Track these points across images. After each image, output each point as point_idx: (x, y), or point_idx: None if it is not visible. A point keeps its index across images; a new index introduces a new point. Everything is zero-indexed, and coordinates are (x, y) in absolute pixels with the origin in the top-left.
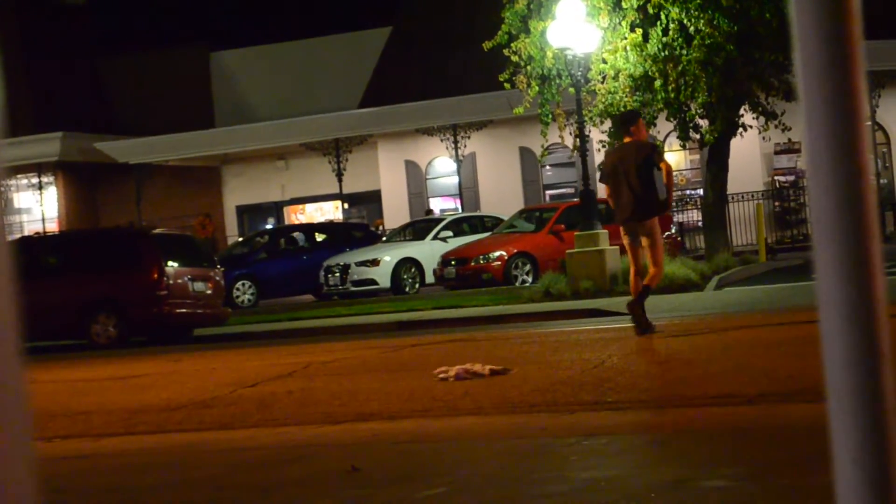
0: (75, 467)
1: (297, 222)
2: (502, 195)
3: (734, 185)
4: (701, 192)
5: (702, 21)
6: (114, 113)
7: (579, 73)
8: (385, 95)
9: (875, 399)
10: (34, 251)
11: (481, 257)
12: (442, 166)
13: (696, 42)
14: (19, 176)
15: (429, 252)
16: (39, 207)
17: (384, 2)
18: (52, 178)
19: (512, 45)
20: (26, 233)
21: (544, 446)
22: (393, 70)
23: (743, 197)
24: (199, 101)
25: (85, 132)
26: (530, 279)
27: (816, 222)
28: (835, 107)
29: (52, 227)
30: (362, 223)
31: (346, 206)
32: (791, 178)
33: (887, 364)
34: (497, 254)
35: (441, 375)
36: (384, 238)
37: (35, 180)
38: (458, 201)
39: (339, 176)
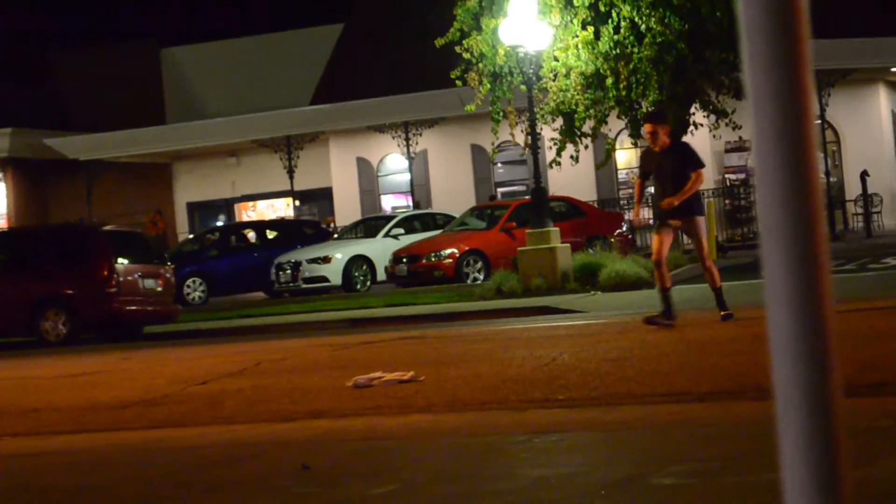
0: (24, 465)
1: (248, 219)
2: (454, 192)
3: None
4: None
5: (653, 19)
6: (64, 108)
7: (531, 71)
8: (337, 92)
9: (821, 395)
10: None
11: (433, 255)
12: (394, 163)
13: (647, 40)
14: None
15: (380, 249)
16: None
17: None
18: (0, 175)
19: (464, 42)
20: None
21: (495, 444)
22: (345, 67)
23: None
24: (150, 97)
25: (34, 128)
26: (482, 277)
27: (764, 219)
28: (781, 104)
29: (1, 223)
30: (313, 220)
31: (297, 203)
32: (741, 176)
33: (834, 361)
34: (449, 251)
35: (348, 383)
36: (335, 235)
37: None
38: (410, 198)
39: (291, 173)
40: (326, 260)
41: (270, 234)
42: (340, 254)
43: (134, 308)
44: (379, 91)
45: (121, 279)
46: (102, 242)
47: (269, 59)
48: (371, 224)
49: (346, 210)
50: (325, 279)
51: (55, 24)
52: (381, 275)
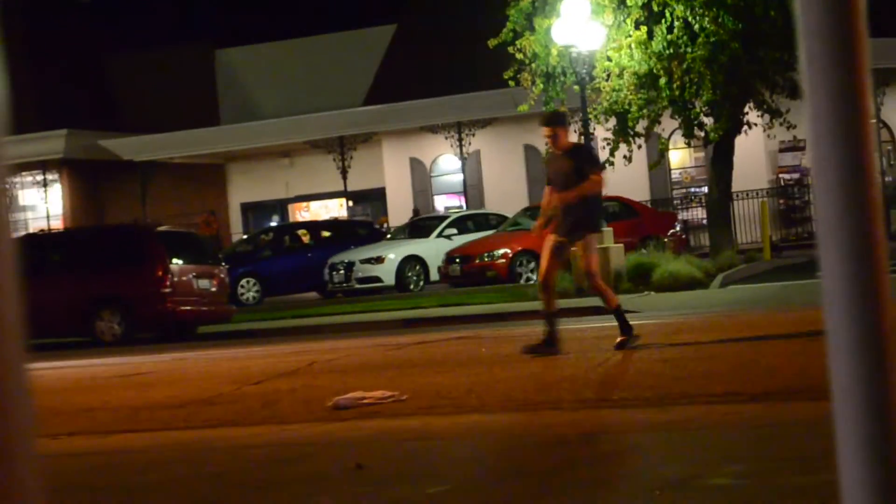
0: (80, 464)
1: (301, 220)
2: (507, 193)
3: (739, 182)
4: (706, 189)
5: (706, 19)
6: (119, 110)
7: (584, 71)
8: (390, 93)
9: (881, 396)
10: (39, 248)
11: (486, 255)
12: (446, 164)
13: (700, 40)
14: (24, 173)
15: (433, 250)
16: (44, 205)
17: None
18: (56, 176)
19: (517, 42)
20: (31, 230)
21: (548, 444)
22: (398, 67)
23: (748, 195)
24: (204, 99)
25: (90, 129)
26: (535, 277)
27: (821, 219)
28: (839, 104)
29: (57, 224)
30: (367, 221)
31: (350, 203)
32: (796, 175)
33: (892, 361)
34: (502, 251)
35: (328, 403)
36: (388, 236)
37: (40, 177)
38: (463, 199)
39: (344, 173)
40: (380, 260)
41: (324, 235)
42: (393, 254)
43: (188, 308)
44: (432, 91)
45: (175, 279)
46: (157, 243)
47: (323, 60)
48: (424, 224)
49: (400, 210)
50: (378, 279)
51: (110, 26)
52: (434, 275)
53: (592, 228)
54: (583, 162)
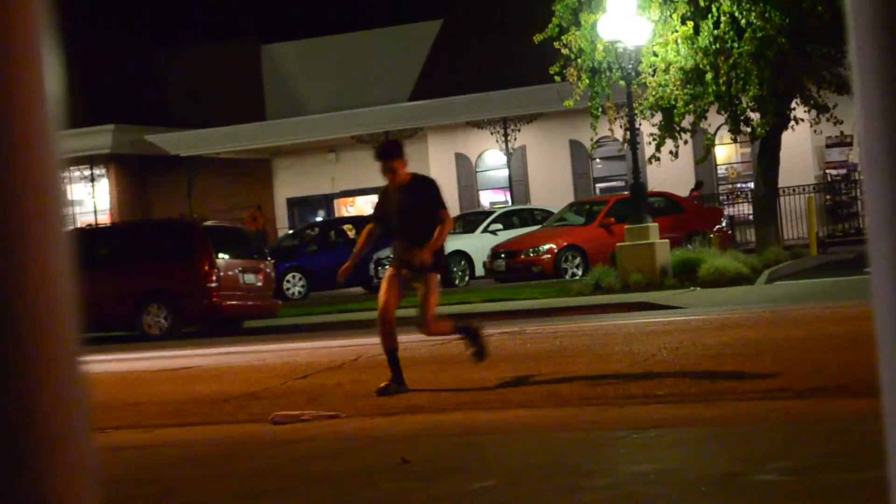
0: (127, 458)
1: (347, 215)
2: (552, 188)
3: (785, 178)
4: (752, 185)
5: (753, 14)
6: (166, 105)
7: (630, 66)
8: (435, 88)
9: None
10: (87, 243)
11: (531, 250)
12: (492, 159)
13: (747, 35)
14: (71, 168)
15: (479, 245)
16: (91, 199)
17: None
18: (104, 170)
19: (562, 37)
20: (79, 225)
21: (594, 439)
22: (444, 62)
23: (794, 190)
24: (251, 94)
25: (137, 124)
26: (580, 272)
27: (871, 215)
28: (890, 99)
29: (104, 218)
30: None
31: None
32: (842, 171)
33: None
34: (547, 247)
35: (269, 418)
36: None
37: (87, 172)
38: (508, 194)
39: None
40: None
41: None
42: None
43: (234, 303)
44: (477, 87)
45: (221, 274)
46: (203, 238)
47: (369, 56)
48: (470, 219)
49: (448, 205)
50: None
51: (157, 21)
52: (479, 270)
53: (438, 267)
54: (429, 197)
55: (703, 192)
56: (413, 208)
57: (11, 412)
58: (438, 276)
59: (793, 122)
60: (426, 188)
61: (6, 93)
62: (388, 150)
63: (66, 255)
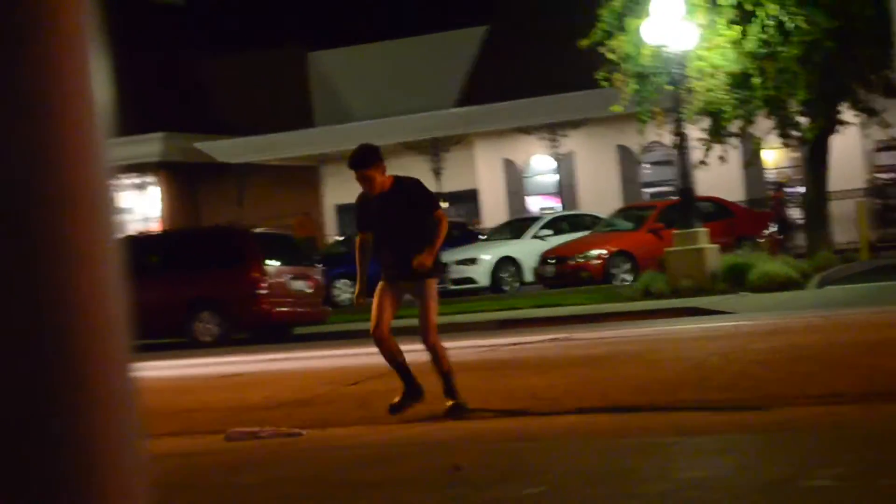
0: (179, 464)
1: None
2: (601, 193)
3: (835, 182)
4: (801, 189)
5: (800, 17)
6: (214, 112)
7: (677, 71)
8: (482, 94)
9: None
10: (138, 251)
11: (580, 256)
12: (540, 165)
13: (794, 39)
14: (122, 175)
15: (528, 251)
16: (142, 207)
17: (481, 0)
18: (154, 178)
19: (608, 42)
20: (129, 232)
21: (646, 445)
22: (490, 68)
23: (844, 194)
24: (298, 101)
25: (186, 132)
26: (630, 278)
27: None
28: None
29: (155, 226)
30: (461, 222)
31: (446, 205)
32: (893, 175)
33: None
34: (596, 252)
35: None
36: (483, 237)
37: (137, 180)
38: (557, 200)
39: (437, 175)
40: (474, 261)
41: None
42: (488, 255)
43: (284, 309)
44: (524, 92)
45: (271, 281)
46: (253, 245)
47: (415, 62)
48: (518, 225)
49: (493, 212)
50: (472, 280)
51: (206, 28)
52: (528, 276)
53: (436, 272)
54: (418, 201)
55: (752, 197)
56: (400, 215)
57: (65, 422)
58: (437, 282)
59: (842, 126)
60: (413, 191)
61: (56, 103)
62: (362, 158)
63: (116, 264)
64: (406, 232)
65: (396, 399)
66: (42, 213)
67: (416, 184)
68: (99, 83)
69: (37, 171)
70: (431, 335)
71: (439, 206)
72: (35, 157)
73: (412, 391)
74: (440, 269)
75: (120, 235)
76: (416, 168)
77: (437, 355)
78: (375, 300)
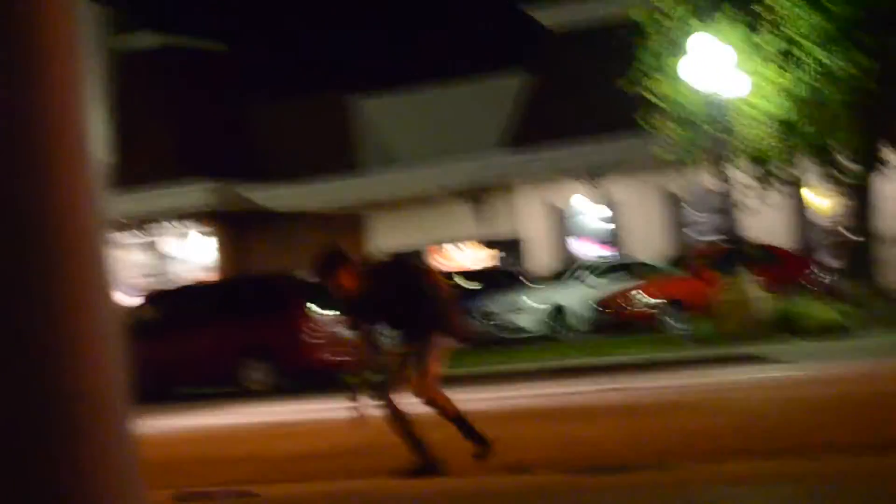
0: None
1: (440, 268)
2: (646, 238)
3: (884, 225)
4: (849, 233)
5: (844, 62)
6: (261, 159)
7: (720, 115)
8: (525, 138)
9: None
10: (188, 299)
11: (630, 303)
12: (584, 209)
13: (839, 81)
14: (170, 223)
15: (573, 297)
16: (191, 255)
17: (522, 46)
18: (203, 226)
19: (648, 84)
20: (178, 281)
21: (687, 497)
22: (533, 112)
23: (891, 237)
24: (342, 147)
25: (234, 179)
26: (679, 324)
27: None
28: None
29: (204, 274)
30: (510, 269)
31: (493, 251)
32: None
33: None
34: (646, 299)
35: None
36: (531, 283)
37: (186, 228)
38: (601, 245)
39: (482, 220)
40: (524, 309)
41: (466, 283)
42: (537, 303)
43: (330, 357)
44: (568, 136)
45: (321, 328)
46: (301, 292)
47: (458, 107)
48: (562, 271)
49: (539, 258)
50: (522, 328)
51: (252, 75)
52: (578, 323)
53: (445, 329)
54: (401, 271)
55: (799, 242)
56: (390, 303)
57: (64, 475)
58: (440, 337)
59: (884, 167)
60: (393, 268)
61: (48, 158)
62: (323, 267)
63: (113, 320)
64: (407, 314)
65: (476, 450)
66: (37, 263)
67: (393, 263)
68: (93, 140)
69: (31, 220)
70: (426, 389)
71: (425, 272)
72: (29, 206)
73: (480, 439)
74: (447, 327)
75: (166, 285)
76: (460, 214)
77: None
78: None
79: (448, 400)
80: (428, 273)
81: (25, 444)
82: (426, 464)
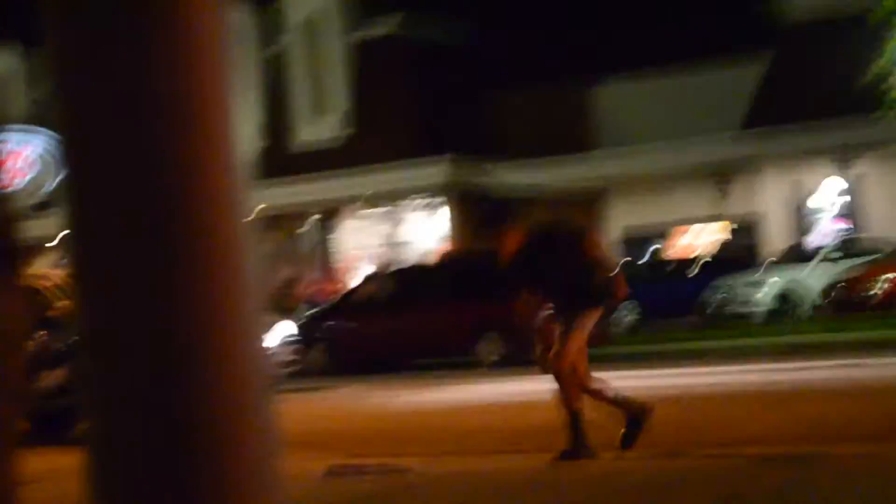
0: (449, 483)
1: (680, 245)
2: (893, 218)
3: None
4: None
5: None
6: (500, 138)
7: None
8: (769, 116)
9: None
10: (427, 275)
11: (869, 281)
12: (829, 188)
13: None
14: (409, 199)
15: (815, 275)
16: (428, 230)
17: (765, 24)
18: (441, 201)
19: (891, 79)
20: (413, 256)
21: None
22: (777, 91)
23: None
24: (584, 126)
25: (473, 155)
26: None
27: None
28: None
29: (440, 250)
30: (746, 246)
31: (729, 229)
32: None
33: None
34: (886, 277)
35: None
36: (768, 261)
37: (425, 203)
38: (847, 223)
39: (723, 199)
40: (759, 286)
41: (703, 260)
42: (773, 280)
43: None
44: (813, 115)
45: None
46: None
47: (699, 87)
48: (805, 250)
49: (778, 236)
50: (756, 305)
51: (493, 57)
52: (815, 301)
53: (594, 301)
54: (561, 233)
55: None
56: (551, 265)
57: (205, 443)
58: (593, 313)
59: None
60: (552, 228)
61: (194, 152)
62: (491, 226)
63: (252, 309)
64: (567, 277)
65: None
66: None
67: (547, 224)
68: (237, 129)
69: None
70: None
71: (586, 235)
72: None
73: (579, 445)
74: (597, 298)
75: (402, 262)
76: (701, 192)
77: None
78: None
79: (583, 378)
80: (585, 238)
81: (169, 435)
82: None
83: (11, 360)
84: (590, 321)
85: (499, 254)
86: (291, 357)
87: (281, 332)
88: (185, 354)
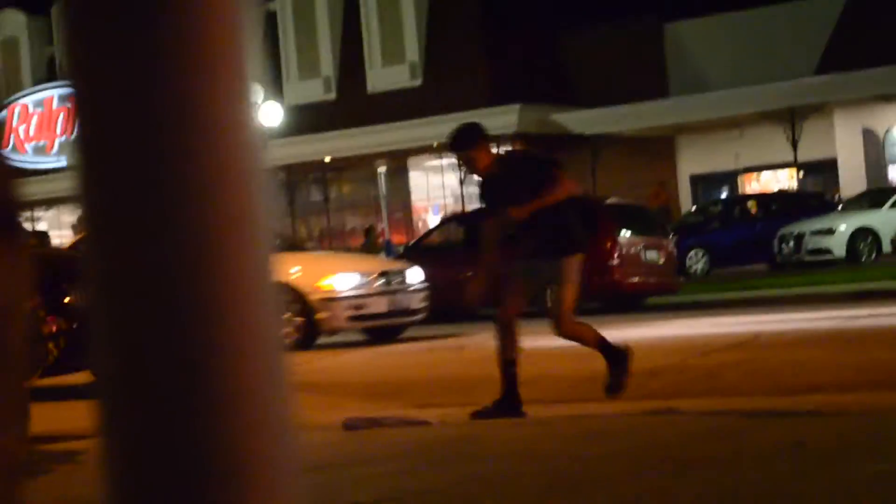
0: (531, 433)
1: (750, 191)
2: None
3: None
4: None
5: None
6: (570, 84)
7: None
8: (842, 61)
9: None
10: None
11: None
12: None
13: None
14: None
15: (887, 221)
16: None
17: None
18: (510, 149)
19: None
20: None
21: None
22: (852, 35)
23: None
24: (653, 72)
25: (542, 103)
26: None
27: None
28: None
29: None
30: (817, 192)
31: (800, 174)
32: None
33: None
34: None
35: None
36: (840, 207)
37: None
38: None
39: (794, 144)
40: (830, 232)
41: (773, 206)
42: (845, 226)
43: (636, 280)
44: (886, 59)
45: (623, 251)
46: (606, 215)
47: (773, 30)
48: (877, 195)
49: (852, 181)
50: (828, 251)
51: (564, 2)
52: (886, 247)
53: (569, 250)
54: (536, 165)
55: None
56: (517, 192)
57: (214, 413)
58: (575, 260)
59: None
60: (521, 165)
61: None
62: (459, 141)
63: (267, 273)
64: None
65: (486, 406)
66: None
67: (524, 158)
68: (252, 93)
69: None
70: (564, 323)
71: (554, 166)
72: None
73: (508, 400)
74: (572, 244)
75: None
76: (772, 137)
77: (581, 339)
78: (506, 285)
79: (587, 327)
80: (557, 172)
81: (185, 397)
82: (506, 396)
83: (12, 330)
84: (575, 273)
85: (470, 167)
86: (422, 303)
87: (412, 278)
88: (195, 304)
